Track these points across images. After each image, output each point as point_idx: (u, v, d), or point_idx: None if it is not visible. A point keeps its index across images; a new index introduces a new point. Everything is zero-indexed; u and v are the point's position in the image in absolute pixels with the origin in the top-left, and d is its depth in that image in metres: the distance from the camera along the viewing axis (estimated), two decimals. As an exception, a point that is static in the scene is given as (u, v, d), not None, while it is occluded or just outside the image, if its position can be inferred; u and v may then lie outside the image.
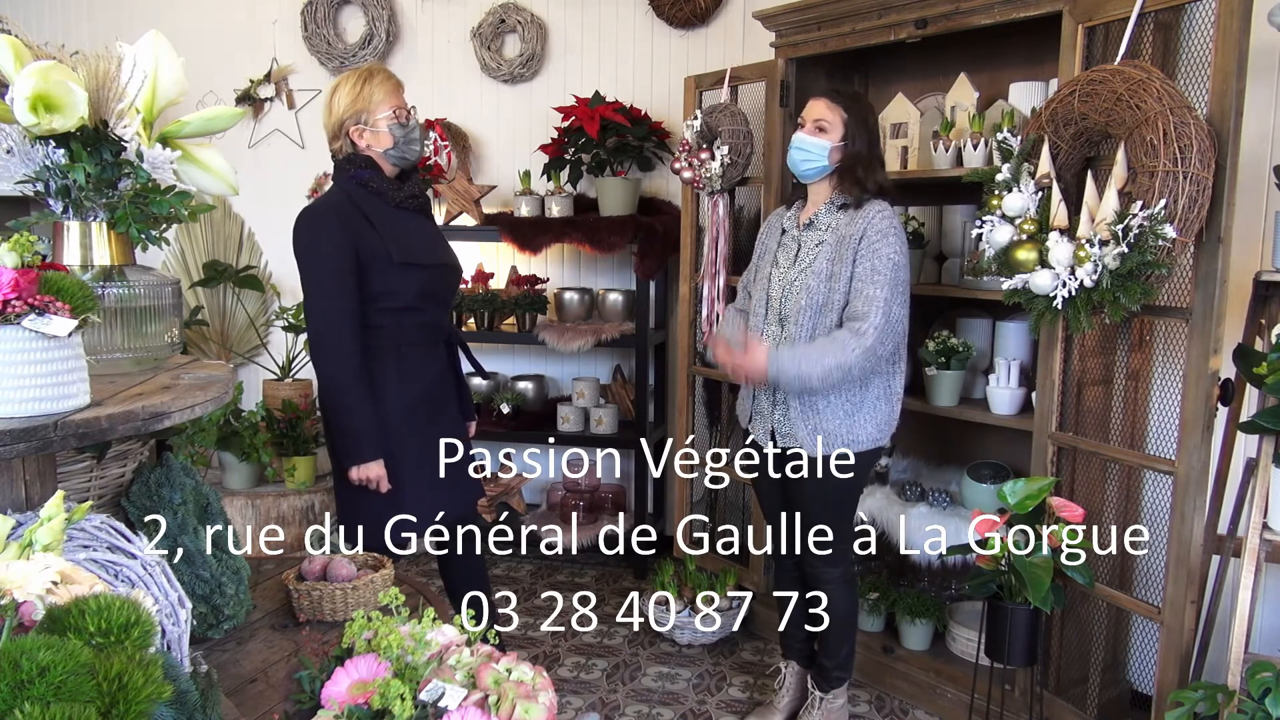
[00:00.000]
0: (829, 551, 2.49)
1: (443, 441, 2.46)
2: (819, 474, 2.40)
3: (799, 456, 2.42)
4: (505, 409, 3.92)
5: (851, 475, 2.43)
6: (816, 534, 2.48)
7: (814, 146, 2.36)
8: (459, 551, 2.67)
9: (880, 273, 2.26)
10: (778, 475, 2.52)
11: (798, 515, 2.51)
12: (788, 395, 2.39)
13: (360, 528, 2.43)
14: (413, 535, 2.44)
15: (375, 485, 2.32)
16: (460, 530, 2.64)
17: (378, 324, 2.32)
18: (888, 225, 2.30)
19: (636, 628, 3.38)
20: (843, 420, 2.37)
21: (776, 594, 2.73)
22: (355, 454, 2.30)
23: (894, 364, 2.42)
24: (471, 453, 2.63)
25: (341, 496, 2.43)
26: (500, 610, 3.49)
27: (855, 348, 2.23)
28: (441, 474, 2.46)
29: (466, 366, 2.73)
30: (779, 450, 2.47)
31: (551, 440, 3.94)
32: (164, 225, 1.75)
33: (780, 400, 2.41)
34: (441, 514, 2.48)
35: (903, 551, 2.91)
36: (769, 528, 2.68)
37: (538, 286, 3.92)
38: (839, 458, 2.38)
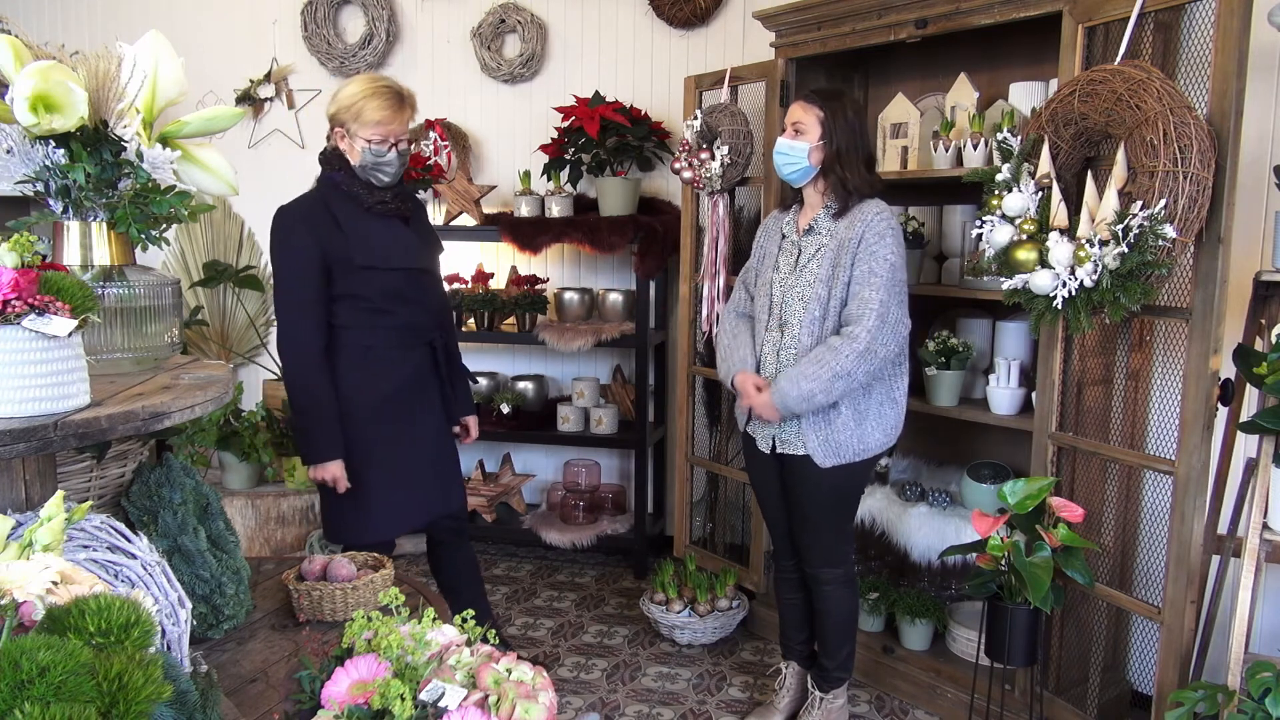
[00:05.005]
0: (829, 552, 2.49)
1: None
2: (822, 479, 2.40)
3: (800, 460, 2.42)
4: (505, 409, 3.92)
5: (854, 480, 2.44)
6: (817, 535, 2.48)
7: (792, 150, 2.36)
8: (448, 549, 2.69)
9: (877, 274, 2.26)
10: (778, 477, 2.52)
11: (798, 516, 2.51)
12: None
13: (334, 525, 2.47)
14: (385, 533, 2.48)
15: (333, 484, 2.35)
16: (448, 528, 2.64)
17: (347, 323, 2.36)
18: (885, 226, 2.30)
19: (636, 628, 3.38)
20: (853, 430, 2.36)
21: (776, 594, 2.72)
22: (312, 453, 2.34)
23: (898, 367, 2.40)
24: (455, 454, 2.62)
25: (319, 491, 2.47)
26: (501, 610, 3.49)
27: (849, 353, 2.23)
28: (412, 475, 2.47)
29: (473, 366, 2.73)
30: (776, 452, 2.47)
31: (552, 440, 3.94)
32: (164, 225, 1.75)
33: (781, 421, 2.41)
34: (415, 514, 2.49)
35: (903, 551, 2.91)
36: (768, 528, 2.68)
37: (538, 286, 3.92)
38: (845, 466, 2.38)
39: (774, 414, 2.34)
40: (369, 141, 2.33)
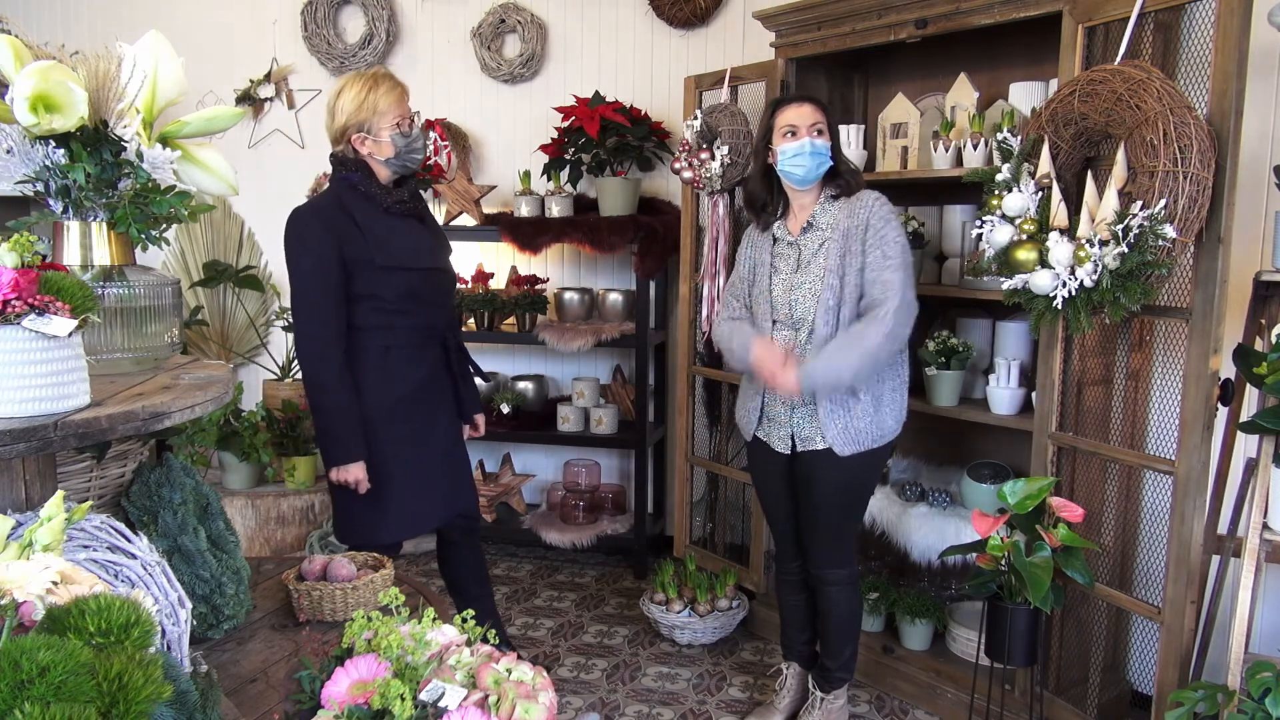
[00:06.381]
0: (835, 552, 2.49)
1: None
2: (838, 473, 2.40)
3: (819, 455, 2.41)
4: (505, 409, 3.92)
5: (868, 472, 2.45)
6: (824, 534, 2.48)
7: (826, 149, 2.40)
8: (459, 548, 2.68)
9: (891, 257, 2.29)
10: (787, 479, 2.52)
11: (804, 515, 2.50)
12: (816, 399, 2.37)
13: (347, 525, 2.45)
14: (400, 534, 2.46)
15: (355, 486, 2.34)
16: (460, 527, 2.64)
17: (364, 324, 2.34)
18: (888, 212, 2.35)
19: (636, 628, 3.38)
20: (872, 416, 2.38)
21: (778, 596, 2.72)
22: (335, 455, 2.32)
23: (902, 353, 2.44)
24: (467, 453, 2.63)
25: (331, 491, 2.46)
26: (501, 610, 3.49)
27: (876, 334, 2.25)
28: (428, 475, 2.46)
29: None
30: (794, 451, 2.46)
31: (552, 440, 3.94)
32: (164, 225, 1.75)
33: (802, 402, 2.40)
34: (430, 514, 2.48)
35: (903, 551, 2.91)
36: (769, 528, 2.67)
37: (538, 286, 3.92)
38: (863, 455, 2.39)
39: (794, 393, 2.32)
40: (396, 127, 2.35)
